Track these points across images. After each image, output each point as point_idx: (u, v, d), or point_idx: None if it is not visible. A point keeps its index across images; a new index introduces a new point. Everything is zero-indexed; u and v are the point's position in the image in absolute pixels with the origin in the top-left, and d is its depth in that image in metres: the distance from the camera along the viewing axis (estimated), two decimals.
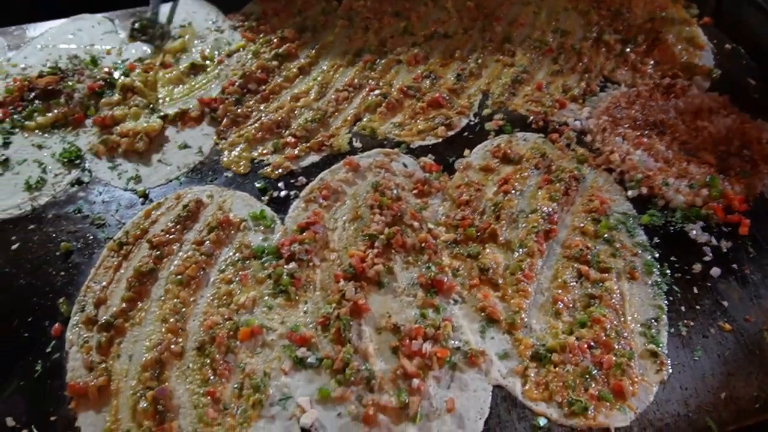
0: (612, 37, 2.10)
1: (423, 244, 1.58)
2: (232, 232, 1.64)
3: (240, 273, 1.55)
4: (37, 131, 1.93)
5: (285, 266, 1.54)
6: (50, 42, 2.24)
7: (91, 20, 2.30)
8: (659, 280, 1.53)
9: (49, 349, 1.44)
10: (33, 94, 2.01)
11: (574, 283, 1.52)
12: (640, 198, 1.71)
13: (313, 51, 2.13)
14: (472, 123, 1.89)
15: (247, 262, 1.58)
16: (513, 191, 1.70)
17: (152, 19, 2.15)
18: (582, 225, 1.63)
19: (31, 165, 1.83)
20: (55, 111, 1.96)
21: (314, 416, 1.30)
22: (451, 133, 1.87)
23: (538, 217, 1.62)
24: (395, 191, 1.69)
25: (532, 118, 1.90)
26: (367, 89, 1.98)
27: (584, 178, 1.75)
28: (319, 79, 2.03)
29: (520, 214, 1.65)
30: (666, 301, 1.50)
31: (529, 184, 1.73)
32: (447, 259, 1.56)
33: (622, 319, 1.46)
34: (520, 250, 1.57)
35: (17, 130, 1.94)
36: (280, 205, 1.70)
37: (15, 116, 1.96)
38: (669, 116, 1.86)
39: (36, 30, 2.28)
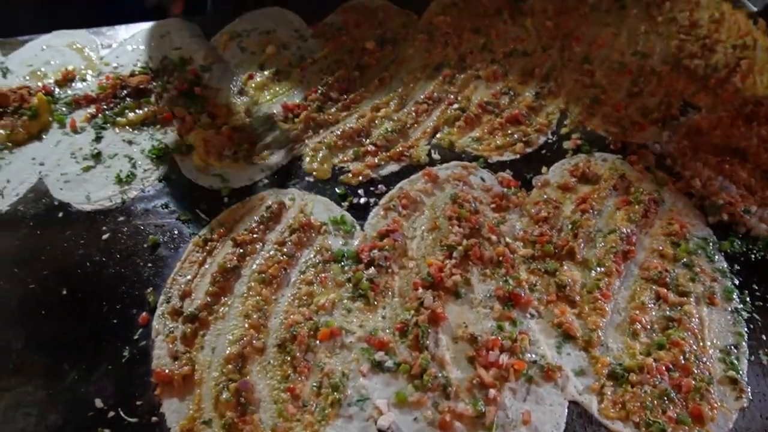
0: (693, 62, 2.09)
1: (500, 258, 1.60)
2: (313, 234, 1.68)
3: (320, 275, 1.58)
4: (127, 127, 2.00)
5: (364, 271, 1.57)
6: (140, 43, 2.31)
7: (180, 24, 2.37)
8: (739, 307, 1.52)
9: (136, 337, 1.49)
10: (125, 92, 2.09)
11: (652, 305, 1.52)
12: (721, 224, 1.70)
13: (393, 63, 2.16)
14: (550, 141, 1.90)
15: (327, 265, 1.61)
16: (591, 210, 1.70)
17: None
18: (660, 248, 1.63)
19: (122, 159, 1.90)
20: (145, 109, 2.04)
21: (391, 419, 1.32)
22: (529, 150, 1.88)
23: (617, 238, 1.62)
24: (473, 204, 1.71)
25: (610, 138, 1.91)
26: (446, 103, 2.00)
27: (663, 201, 1.74)
28: (399, 90, 2.06)
29: (598, 234, 1.66)
30: (746, 329, 1.49)
31: (607, 205, 1.73)
32: (524, 273, 1.57)
33: (701, 343, 1.45)
34: (598, 269, 1.57)
35: (109, 125, 2.02)
36: (360, 212, 1.73)
37: (107, 112, 2.04)
38: (751, 143, 1.84)
39: (127, 31, 2.37)
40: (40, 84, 2.16)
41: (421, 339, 1.44)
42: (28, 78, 2.20)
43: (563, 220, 1.69)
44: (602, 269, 1.58)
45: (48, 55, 2.30)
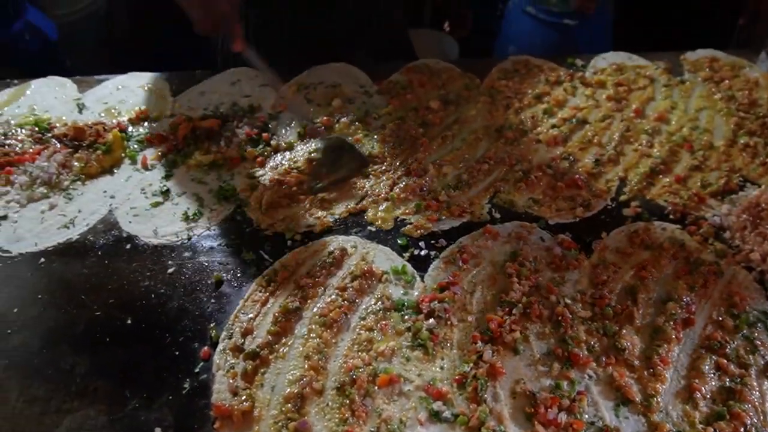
0: (753, 139, 2.11)
1: (559, 317, 1.60)
2: (374, 282, 1.71)
3: (381, 322, 1.60)
4: (196, 168, 2.06)
5: (424, 321, 1.59)
6: (211, 89, 2.41)
7: (250, 73, 2.46)
8: None
9: (197, 370, 1.52)
10: (195, 134, 2.16)
11: (712, 375, 1.51)
12: None
13: (456, 123, 2.21)
14: (609, 207, 1.92)
15: (388, 312, 1.63)
16: (650, 277, 1.70)
17: None
18: (720, 318, 1.62)
19: (190, 198, 1.96)
20: (214, 151, 2.10)
21: None
22: (588, 214, 1.90)
23: (676, 306, 1.62)
24: (533, 263, 1.73)
25: (670, 208, 1.92)
26: (506, 163, 2.04)
27: (723, 273, 1.74)
28: (461, 149, 2.10)
29: (657, 301, 1.65)
30: None
31: (666, 273, 1.73)
32: (583, 334, 1.57)
33: (762, 417, 1.43)
34: (657, 335, 1.57)
35: (178, 165, 2.08)
36: (420, 263, 1.76)
37: (177, 152, 2.11)
38: None
39: (199, 77, 2.47)
40: (114, 121, 2.24)
41: (479, 392, 1.45)
42: (103, 115, 2.29)
43: (622, 284, 1.69)
44: (661, 336, 1.56)
45: (123, 95, 2.40)
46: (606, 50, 2.57)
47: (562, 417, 1.39)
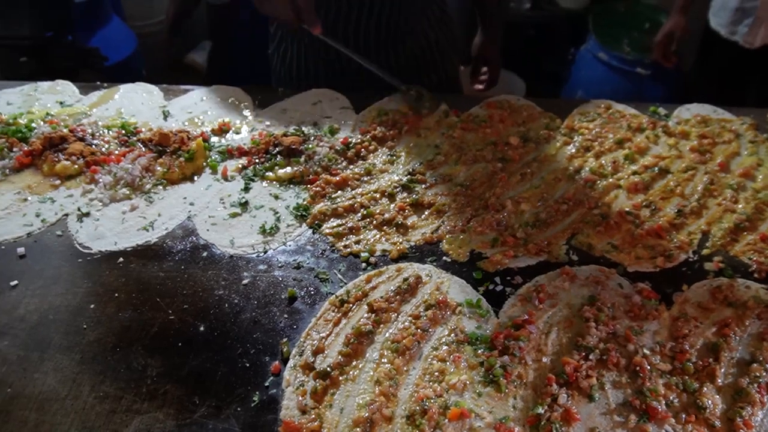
0: None
1: (637, 368, 1.56)
2: (448, 313, 1.68)
3: (454, 354, 1.57)
4: (275, 183, 2.08)
5: (498, 358, 1.55)
6: (293, 106, 2.43)
7: (331, 95, 2.48)
8: None
9: (267, 384, 1.51)
10: (276, 149, 2.18)
11: None
12: None
13: (535, 161, 2.19)
14: (691, 259, 1.87)
15: (461, 345, 1.60)
16: (733, 335, 1.65)
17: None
18: None
19: (267, 212, 1.97)
20: (294, 168, 2.11)
21: None
22: (669, 265, 1.85)
23: (761, 368, 1.56)
24: (611, 309, 1.69)
25: (754, 267, 1.86)
26: (586, 206, 2.00)
27: None
28: (539, 187, 2.08)
29: (741, 361, 1.60)
30: None
31: (750, 332, 1.67)
32: (661, 388, 1.52)
33: None
34: (740, 396, 1.51)
35: (258, 178, 2.10)
36: (495, 298, 1.73)
37: (258, 166, 2.13)
38: None
39: (282, 94, 2.51)
40: (198, 130, 2.27)
41: None
42: (186, 123, 2.33)
43: (704, 340, 1.64)
44: (744, 398, 1.51)
45: (206, 106, 2.44)
46: (677, 102, 2.52)
47: None
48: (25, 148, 2.16)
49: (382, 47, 2.62)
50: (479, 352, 1.59)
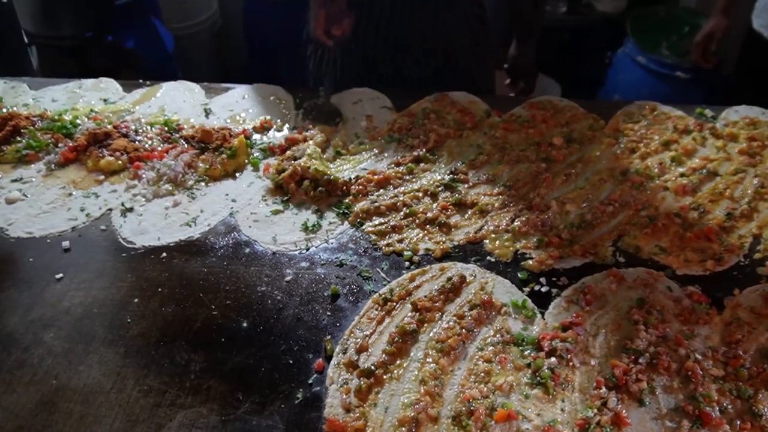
0: None
1: (689, 373, 1.51)
2: (493, 313, 1.66)
3: (500, 355, 1.55)
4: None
5: (545, 359, 1.52)
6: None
7: (372, 94, 2.47)
8: None
9: (310, 381, 1.49)
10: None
11: None
12: None
13: (579, 162, 2.16)
14: (742, 263, 1.82)
15: (507, 346, 1.58)
16: None
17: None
18: None
19: (309, 210, 1.97)
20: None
21: None
22: (719, 268, 1.80)
23: None
24: (660, 312, 1.65)
25: None
26: (632, 208, 1.96)
27: None
28: (584, 188, 2.04)
29: None
30: None
31: None
32: (715, 393, 1.48)
33: None
34: None
35: None
36: (540, 299, 1.70)
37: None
38: None
39: (322, 93, 2.51)
40: (240, 128, 2.27)
41: None
42: (228, 121, 2.33)
43: (757, 346, 1.59)
44: None
45: (247, 104, 2.44)
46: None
47: None
48: (70, 144, 2.18)
49: (419, 52, 2.60)
50: (526, 353, 1.57)
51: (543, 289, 1.74)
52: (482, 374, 1.52)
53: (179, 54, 4.81)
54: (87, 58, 3.92)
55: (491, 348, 1.58)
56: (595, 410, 1.43)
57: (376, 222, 1.94)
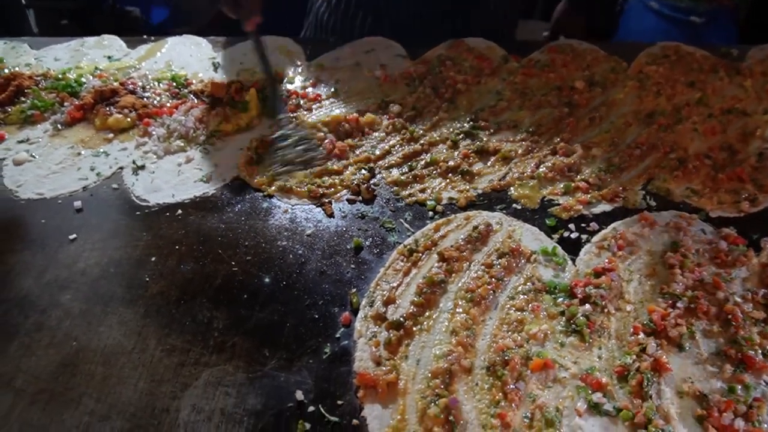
0: None
1: (729, 316, 1.46)
2: (522, 262, 1.60)
3: (532, 304, 1.49)
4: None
5: (579, 307, 1.47)
6: (345, 55, 2.36)
7: (385, 43, 2.39)
8: None
9: (338, 335, 1.44)
10: None
11: None
12: None
13: (603, 105, 2.08)
14: None
15: (539, 294, 1.52)
16: None
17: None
18: None
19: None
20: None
21: None
22: (754, 209, 1.74)
23: None
24: (695, 255, 1.59)
25: None
26: (660, 150, 1.89)
27: None
28: (609, 132, 1.97)
29: None
30: None
31: None
32: (756, 336, 1.43)
33: None
34: None
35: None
36: (570, 246, 1.64)
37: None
38: None
39: (333, 44, 2.46)
40: (250, 81, 2.20)
41: (645, 387, 1.31)
42: (239, 74, 2.25)
43: None
44: None
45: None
46: None
47: (739, 423, 1.26)
48: (76, 103, 2.11)
49: (447, 16, 2.51)
50: (559, 301, 1.51)
51: (572, 236, 1.68)
52: (515, 323, 1.47)
53: (177, 15, 4.72)
54: (88, 22, 3.82)
55: (523, 296, 1.53)
56: (634, 356, 1.38)
57: (397, 172, 1.87)
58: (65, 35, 2.69)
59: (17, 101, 2.15)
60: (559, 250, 1.62)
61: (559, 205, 1.76)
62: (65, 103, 2.13)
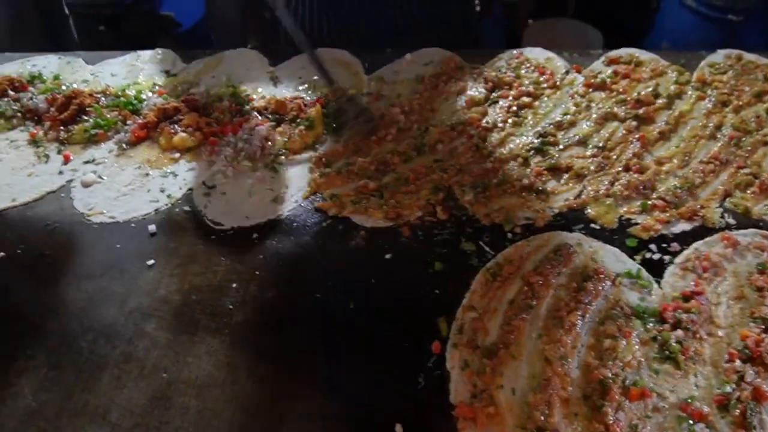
0: None
1: None
2: (607, 285, 1.58)
3: (623, 330, 1.47)
4: None
5: (671, 332, 1.45)
6: (404, 68, 2.33)
7: (443, 54, 2.36)
8: None
9: (430, 364, 1.43)
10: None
11: None
12: None
13: (671, 119, 2.05)
14: None
15: (628, 319, 1.50)
16: None
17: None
18: None
19: None
20: None
21: None
22: None
23: None
24: None
25: None
26: (734, 166, 1.87)
27: None
28: (680, 146, 1.94)
29: None
30: None
31: None
32: None
33: None
34: None
35: None
36: (653, 268, 1.61)
37: None
38: None
39: (392, 55, 2.43)
40: (314, 96, 2.18)
41: (748, 417, 1.30)
42: (300, 89, 2.23)
43: None
44: None
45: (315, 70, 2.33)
46: None
47: None
48: (139, 121, 2.10)
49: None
50: (649, 326, 1.49)
51: (654, 257, 1.65)
52: (607, 350, 1.44)
53: (210, 15, 4.70)
54: (122, 25, 3.81)
55: (611, 322, 1.50)
56: (733, 385, 1.35)
57: (470, 192, 1.85)
58: (102, 41, 2.67)
59: (79, 120, 2.13)
60: (644, 272, 1.61)
61: (637, 224, 1.73)
62: (128, 122, 2.11)
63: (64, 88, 2.32)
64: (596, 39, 4.90)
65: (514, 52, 2.41)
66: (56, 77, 2.41)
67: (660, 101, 2.14)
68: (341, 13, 2.52)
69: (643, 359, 1.44)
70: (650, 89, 2.18)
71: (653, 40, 4.74)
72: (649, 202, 1.79)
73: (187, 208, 1.86)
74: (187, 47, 3.61)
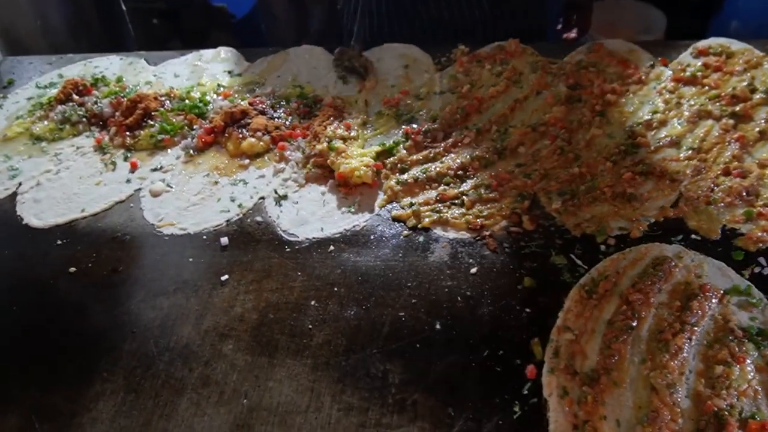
0: None
1: None
2: (714, 302, 1.45)
3: (736, 355, 1.35)
4: None
5: None
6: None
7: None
8: None
9: (525, 391, 1.33)
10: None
11: None
12: None
13: None
14: None
15: (740, 342, 1.37)
16: None
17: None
18: None
19: None
20: None
21: None
22: None
23: None
24: None
25: None
26: None
27: None
28: None
29: None
30: None
31: None
32: None
33: None
34: None
35: None
36: (762, 283, 1.48)
37: None
38: None
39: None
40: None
41: None
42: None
43: None
44: None
45: (383, 66, 2.25)
46: None
47: None
48: (206, 126, 2.03)
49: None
50: (763, 350, 1.36)
51: (765, 271, 1.52)
52: (720, 378, 1.32)
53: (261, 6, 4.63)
54: (178, 20, 3.77)
55: (722, 345, 1.38)
56: None
57: (557, 199, 1.73)
58: (158, 35, 2.61)
59: (144, 124, 2.07)
60: (754, 289, 1.48)
61: (743, 235, 1.60)
62: (194, 126, 2.04)
63: (127, 90, 2.25)
64: (659, 21, 4.69)
65: (594, 44, 2.26)
66: (119, 79, 2.35)
67: (758, 96, 1.98)
68: (406, 15, 2.43)
69: (759, 387, 1.31)
70: (746, 83, 2.02)
71: (722, 22, 4.51)
72: (755, 210, 1.65)
73: (259, 219, 1.79)
74: (240, 38, 3.56)
